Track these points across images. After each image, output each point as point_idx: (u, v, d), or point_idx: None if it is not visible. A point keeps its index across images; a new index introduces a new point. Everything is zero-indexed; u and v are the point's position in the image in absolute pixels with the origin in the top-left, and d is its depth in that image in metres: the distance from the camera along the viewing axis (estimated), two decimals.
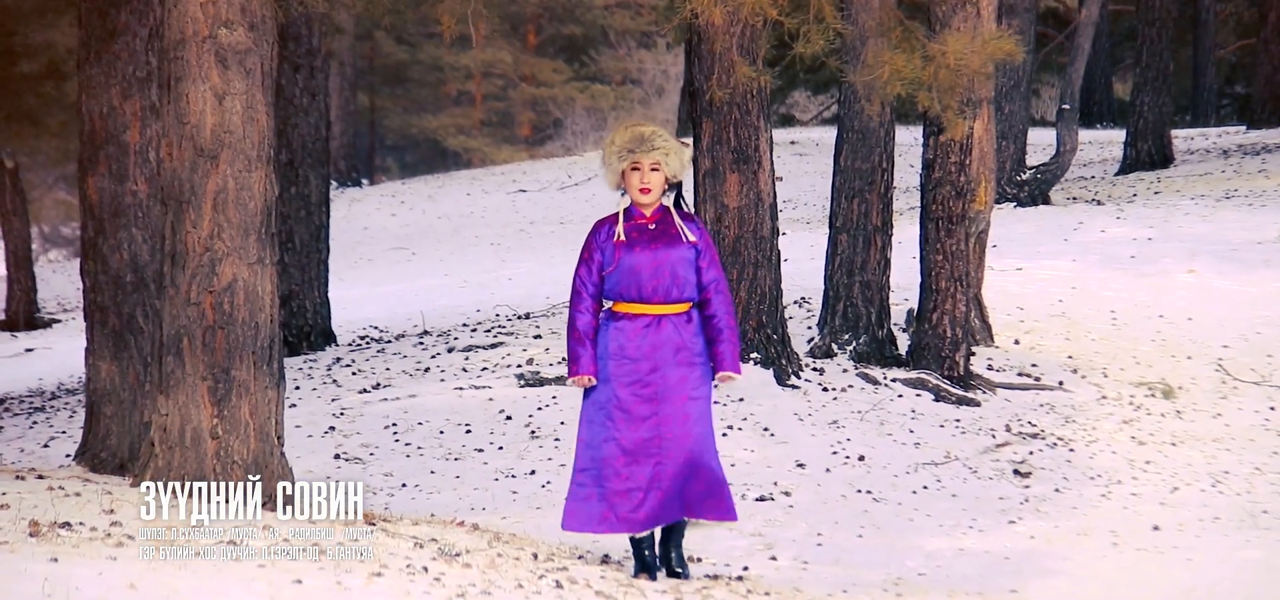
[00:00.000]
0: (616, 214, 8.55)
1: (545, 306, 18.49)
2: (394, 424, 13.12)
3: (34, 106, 26.57)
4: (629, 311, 8.48)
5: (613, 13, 48.21)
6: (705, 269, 8.53)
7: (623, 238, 8.47)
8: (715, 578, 8.86)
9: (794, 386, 13.52)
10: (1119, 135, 31.22)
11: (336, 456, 12.41)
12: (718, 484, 8.50)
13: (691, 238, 8.49)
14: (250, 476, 8.09)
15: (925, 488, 11.54)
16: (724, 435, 12.46)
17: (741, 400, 13.15)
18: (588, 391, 8.51)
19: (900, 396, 13.46)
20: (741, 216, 13.72)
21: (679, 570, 8.56)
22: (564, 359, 13.73)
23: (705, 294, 8.54)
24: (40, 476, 8.60)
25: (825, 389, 13.53)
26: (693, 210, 8.85)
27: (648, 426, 8.42)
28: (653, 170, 8.42)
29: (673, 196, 8.55)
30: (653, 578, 8.43)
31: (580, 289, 8.53)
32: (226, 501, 8.00)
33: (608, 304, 8.56)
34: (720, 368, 8.57)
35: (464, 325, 17.60)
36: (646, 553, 8.52)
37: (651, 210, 8.51)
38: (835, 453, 12.20)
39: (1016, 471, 11.94)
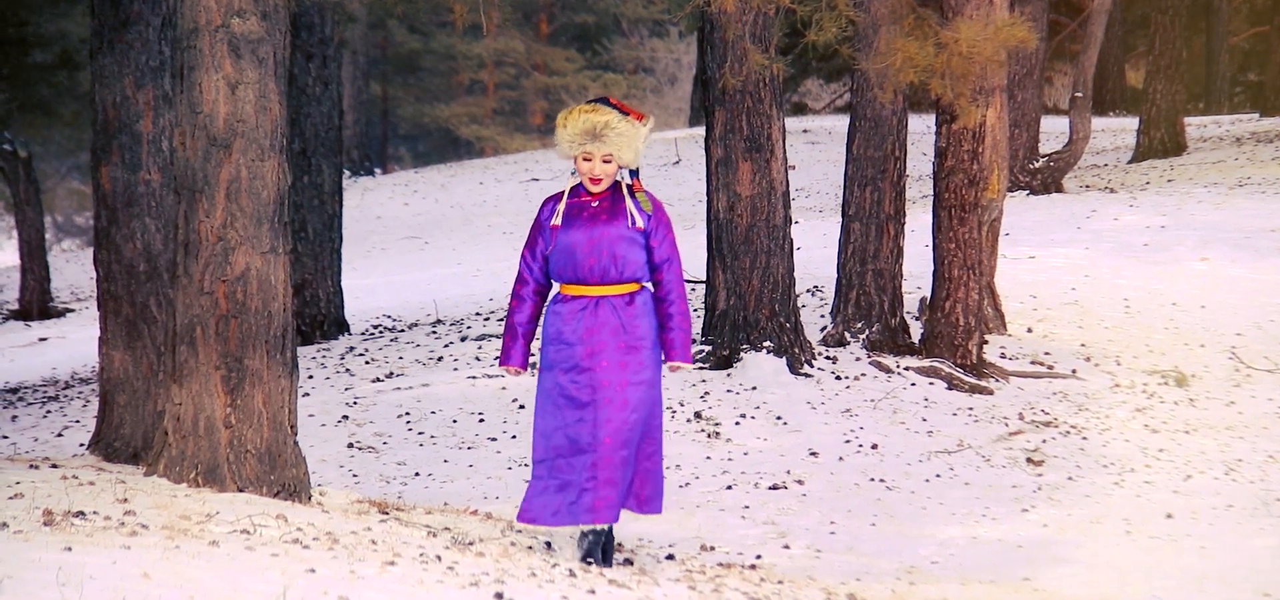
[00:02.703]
0: (562, 192, 8.22)
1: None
2: (407, 413, 13.13)
3: (47, 96, 26.61)
4: (568, 293, 8.13)
5: (625, 1, 48.19)
6: (656, 248, 8.15)
7: (560, 218, 8.12)
8: (728, 566, 8.86)
9: (807, 375, 13.52)
10: (1132, 123, 31.18)
11: (350, 445, 12.43)
12: (648, 475, 8.18)
13: (638, 219, 8.10)
14: (263, 465, 8.10)
15: (938, 476, 11.54)
16: (737, 424, 12.48)
17: (754, 389, 13.16)
18: (541, 379, 8.19)
19: (913, 385, 13.46)
20: (754, 205, 13.72)
21: (593, 560, 8.13)
22: None
23: (656, 275, 8.18)
24: (54, 465, 8.62)
25: (838, 377, 13.53)
26: (652, 190, 8.37)
27: (588, 413, 8.05)
28: (604, 160, 8.08)
29: (629, 180, 8.18)
30: (607, 564, 8.10)
31: (524, 274, 8.22)
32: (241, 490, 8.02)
33: (556, 286, 8.21)
34: (669, 356, 8.21)
35: (477, 314, 17.61)
36: (592, 539, 8.15)
37: (601, 190, 8.16)
38: (848, 441, 12.20)
39: (1029, 460, 11.93)
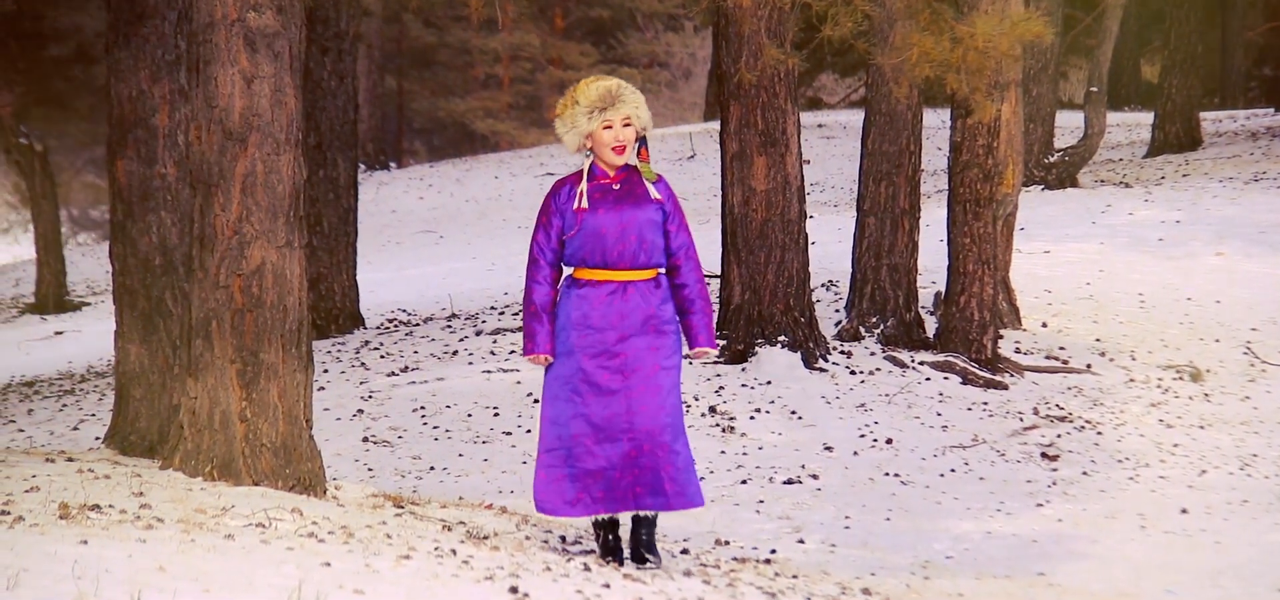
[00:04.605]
0: (578, 173, 8.02)
1: None
2: (422, 407, 13.14)
3: (63, 90, 26.69)
4: (592, 277, 7.93)
5: None
6: (674, 233, 7.99)
7: (585, 200, 7.92)
8: (743, 560, 8.86)
9: (821, 370, 13.51)
10: (1147, 118, 31.14)
11: (365, 440, 12.44)
12: (686, 468, 7.93)
13: (658, 196, 7.95)
14: (278, 459, 8.11)
15: (953, 471, 11.54)
16: (752, 418, 12.48)
17: (769, 383, 13.16)
18: (555, 366, 7.97)
19: (928, 379, 13.45)
20: (769, 199, 13.72)
21: (650, 557, 7.95)
22: None
23: (674, 260, 8.02)
24: (70, 459, 8.64)
25: (853, 372, 13.53)
26: (666, 179, 8.24)
27: (618, 401, 7.86)
28: (624, 125, 7.92)
29: (636, 150, 8.00)
30: (620, 563, 7.93)
31: (538, 257, 7.97)
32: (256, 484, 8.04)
33: (568, 270, 8.02)
34: (695, 342, 8.05)
35: (492, 308, 17.62)
36: (611, 536, 8.02)
37: (618, 169, 7.99)
38: (863, 436, 12.20)
39: (1044, 454, 11.92)
